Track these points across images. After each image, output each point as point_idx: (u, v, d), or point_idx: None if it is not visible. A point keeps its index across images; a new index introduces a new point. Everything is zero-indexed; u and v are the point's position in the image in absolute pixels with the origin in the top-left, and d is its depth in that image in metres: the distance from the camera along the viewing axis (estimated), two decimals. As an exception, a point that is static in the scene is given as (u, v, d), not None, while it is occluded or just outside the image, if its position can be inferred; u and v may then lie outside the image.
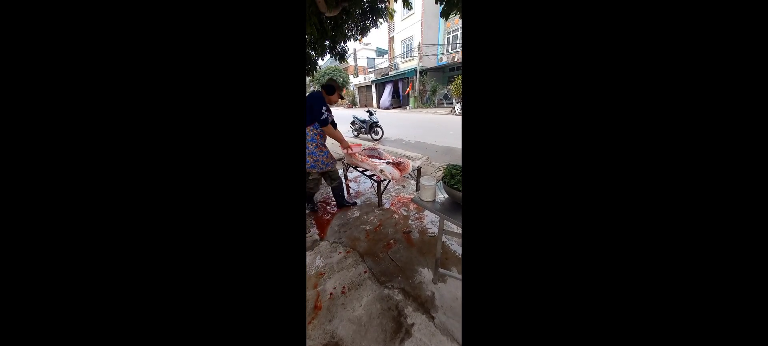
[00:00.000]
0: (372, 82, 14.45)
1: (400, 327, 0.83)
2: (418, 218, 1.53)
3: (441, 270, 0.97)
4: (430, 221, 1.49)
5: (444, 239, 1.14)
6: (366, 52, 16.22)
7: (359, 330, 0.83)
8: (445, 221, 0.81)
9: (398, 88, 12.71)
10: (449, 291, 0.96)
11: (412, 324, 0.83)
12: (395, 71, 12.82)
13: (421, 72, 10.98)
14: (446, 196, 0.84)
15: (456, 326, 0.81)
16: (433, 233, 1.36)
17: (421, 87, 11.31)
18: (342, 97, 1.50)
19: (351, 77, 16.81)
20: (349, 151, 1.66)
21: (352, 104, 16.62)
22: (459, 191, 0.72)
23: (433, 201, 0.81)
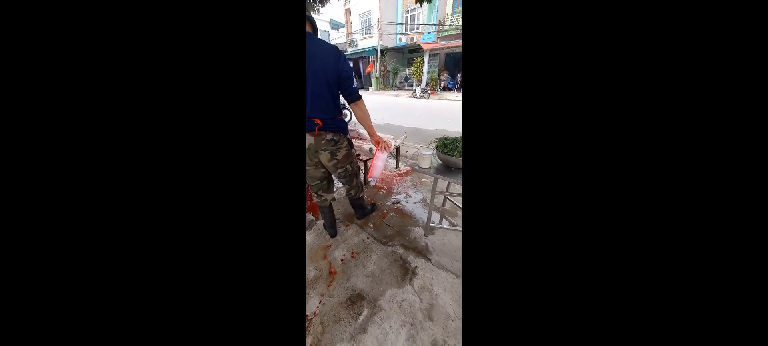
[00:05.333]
0: (329, 58, 13.16)
1: (407, 271, 1.03)
2: (403, 192, 1.73)
3: (431, 224, 1.21)
4: (415, 191, 1.72)
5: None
6: (320, 25, 14.38)
7: (375, 280, 0.99)
8: (438, 181, 1.02)
9: (359, 67, 12.13)
10: (438, 239, 1.22)
11: (416, 267, 1.05)
12: (354, 48, 12.04)
13: (381, 51, 10.72)
14: (439, 162, 1.04)
15: (447, 263, 1.08)
16: (417, 201, 1.60)
17: (383, 68, 11.15)
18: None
19: (303, 51, 14.74)
20: (381, 146, 1.02)
21: (308, 83, 14.90)
22: (450, 156, 0.93)
23: (430, 167, 1.00)
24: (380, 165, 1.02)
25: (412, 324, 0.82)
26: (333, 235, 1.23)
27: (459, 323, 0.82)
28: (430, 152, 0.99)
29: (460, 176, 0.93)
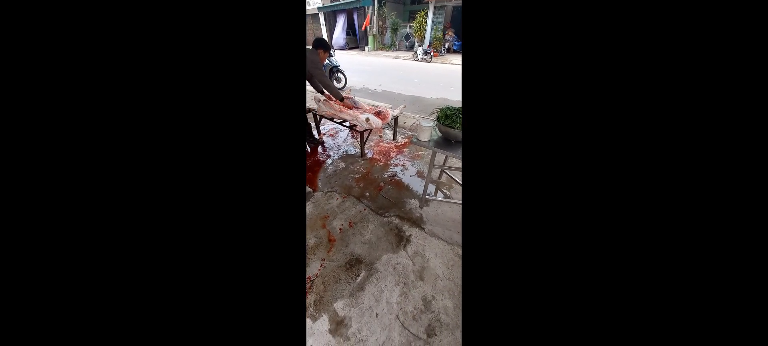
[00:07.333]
0: (319, 9, 11.42)
1: (401, 239, 1.11)
2: (400, 164, 1.72)
3: (426, 196, 1.24)
4: (411, 163, 1.72)
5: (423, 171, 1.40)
6: (304, -40, 11.91)
7: (371, 247, 1.06)
8: (436, 154, 1.00)
9: (353, 21, 10.66)
10: (432, 210, 1.27)
11: (410, 235, 1.12)
12: (348, -4, 10.33)
13: (379, 1, 9.28)
14: (439, 135, 1.01)
15: (440, 231, 1.15)
16: (413, 173, 1.61)
17: (381, 23, 9.84)
18: (331, 55, 1.53)
19: None
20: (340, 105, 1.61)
21: (296, 40, 13.20)
22: (452, 129, 0.89)
23: (429, 140, 0.97)
24: None
25: (405, 283, 0.91)
26: (314, 140, 1.67)
27: (447, 283, 0.92)
28: (430, 124, 0.94)
29: (460, 150, 0.91)
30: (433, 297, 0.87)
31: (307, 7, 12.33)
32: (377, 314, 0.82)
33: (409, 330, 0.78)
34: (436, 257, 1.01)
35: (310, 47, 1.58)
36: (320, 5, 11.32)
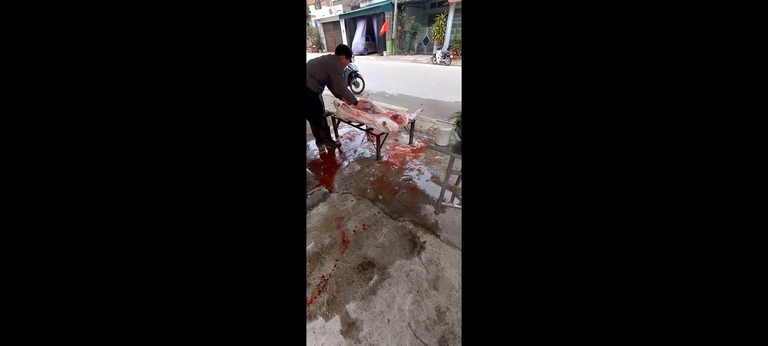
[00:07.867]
0: (340, 16, 11.93)
1: (415, 245, 1.09)
2: (415, 168, 1.70)
3: (442, 202, 1.21)
4: (427, 168, 1.69)
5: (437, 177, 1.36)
6: (328, -27, 12.63)
7: (384, 251, 1.06)
8: (454, 159, 0.97)
9: (373, 27, 10.91)
10: (449, 218, 1.23)
11: (424, 242, 1.10)
12: (368, 3, 10.64)
13: (398, 5, 9.39)
14: (458, 139, 0.98)
15: (456, 240, 1.11)
16: (429, 178, 1.57)
17: (400, 27, 9.93)
18: (351, 61, 1.62)
19: (312, 9, 13.48)
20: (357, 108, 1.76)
21: (318, 47, 13.96)
22: None
23: (448, 145, 0.95)
24: None
25: (418, 291, 0.89)
26: (331, 142, 1.90)
27: (462, 295, 0.87)
28: (449, 128, 0.92)
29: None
30: (448, 308, 0.84)
31: (329, 16, 12.99)
32: (389, 320, 0.81)
33: (421, 340, 0.75)
34: (452, 267, 0.97)
35: (333, 53, 1.66)
36: (342, 12, 11.82)
